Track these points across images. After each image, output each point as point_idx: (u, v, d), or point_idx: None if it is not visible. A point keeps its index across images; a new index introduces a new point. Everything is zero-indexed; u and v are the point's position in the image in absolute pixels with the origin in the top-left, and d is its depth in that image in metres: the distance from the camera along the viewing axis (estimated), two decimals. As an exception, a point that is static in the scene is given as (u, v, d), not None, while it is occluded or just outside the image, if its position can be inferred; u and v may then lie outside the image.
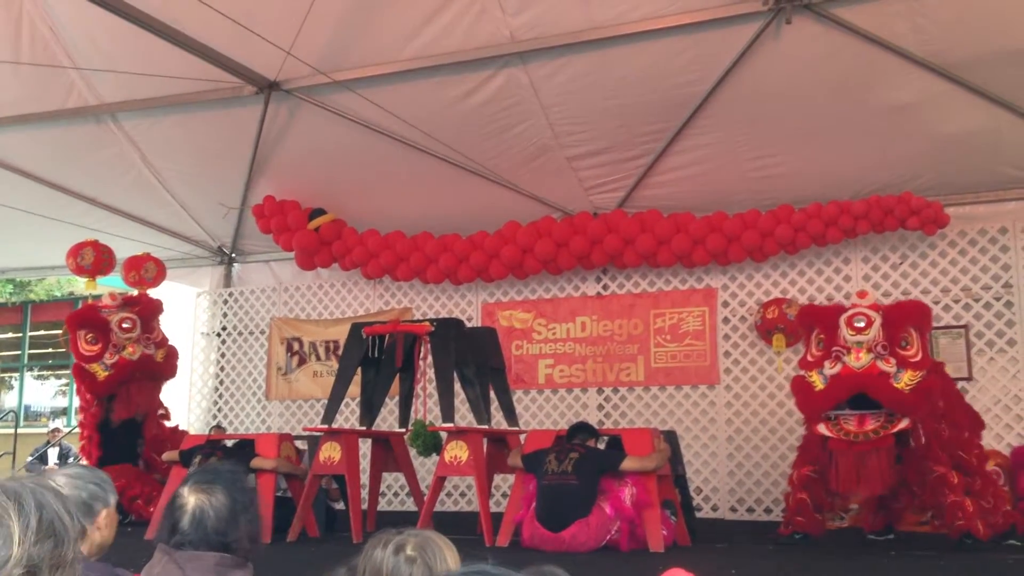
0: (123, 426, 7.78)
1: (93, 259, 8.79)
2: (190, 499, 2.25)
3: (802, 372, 5.78)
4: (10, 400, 17.08)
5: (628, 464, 5.64)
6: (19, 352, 17.68)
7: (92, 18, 6.89)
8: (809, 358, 5.74)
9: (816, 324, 5.80)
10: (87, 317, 7.85)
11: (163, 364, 8.02)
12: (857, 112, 7.17)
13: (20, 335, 17.68)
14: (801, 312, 6.56)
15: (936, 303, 7.91)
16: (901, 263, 8.11)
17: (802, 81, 6.96)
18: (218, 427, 9.76)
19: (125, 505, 7.19)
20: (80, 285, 8.98)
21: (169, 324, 8.55)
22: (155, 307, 8.18)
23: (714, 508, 8.28)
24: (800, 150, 7.66)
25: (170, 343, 8.22)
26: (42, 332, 17.68)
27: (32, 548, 1.19)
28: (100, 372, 7.64)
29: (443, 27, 6.85)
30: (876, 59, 6.65)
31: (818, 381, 5.62)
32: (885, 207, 7.72)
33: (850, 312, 5.65)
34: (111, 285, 9.45)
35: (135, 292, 8.59)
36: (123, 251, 9.23)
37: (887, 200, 7.72)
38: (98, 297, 8.67)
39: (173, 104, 8.00)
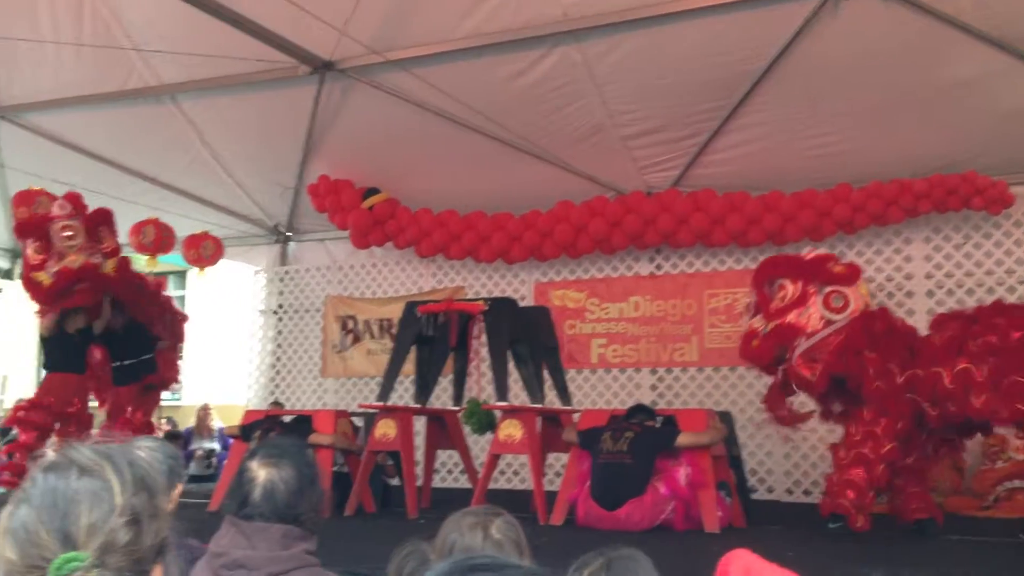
0: (80, 335, 7.29)
1: (154, 237, 8.96)
2: (260, 472, 2.29)
3: None
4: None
5: (683, 439, 5.63)
6: (82, 329, 18.08)
7: (152, 0, 7.00)
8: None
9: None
10: (32, 225, 7.31)
11: (113, 276, 7.35)
12: (918, 89, 7.02)
13: (83, 312, 18.08)
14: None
15: (1000, 284, 7.74)
16: (964, 243, 7.93)
17: (861, 57, 6.83)
18: (276, 403, 9.92)
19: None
20: (141, 262, 9.11)
21: (228, 301, 8.58)
22: (101, 216, 7.49)
23: (769, 490, 8.22)
24: (859, 128, 7.52)
25: (125, 256, 7.73)
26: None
27: (132, 498, 1.26)
28: (44, 280, 7.10)
29: (496, 6, 6.84)
30: (938, 34, 6.50)
31: None
32: (948, 186, 7.55)
33: None
34: (173, 263, 9.60)
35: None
36: (182, 229, 9.42)
37: (950, 179, 7.55)
38: (159, 274, 8.73)
39: (230, 85, 8.10)
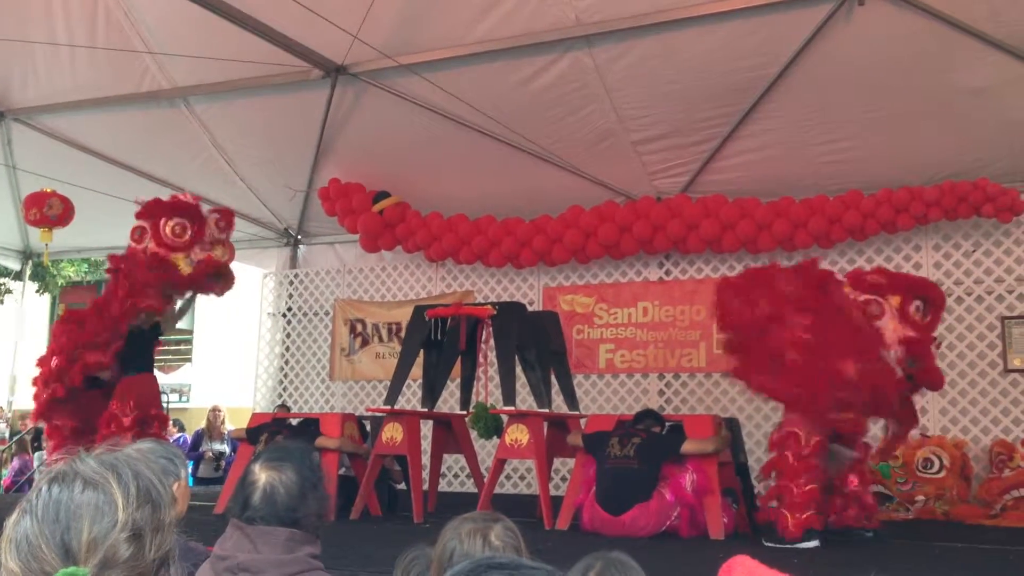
0: (152, 333, 7.12)
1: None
2: (261, 476, 2.30)
3: None
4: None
5: (688, 447, 5.63)
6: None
7: (165, 3, 7.05)
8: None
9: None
10: (178, 205, 7.00)
11: (223, 282, 7.28)
12: (931, 96, 7.01)
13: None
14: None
15: (1010, 292, 7.73)
16: (974, 251, 7.90)
17: (874, 64, 6.81)
18: (283, 406, 9.93)
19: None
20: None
21: (237, 304, 8.57)
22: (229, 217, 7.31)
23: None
24: (870, 135, 7.51)
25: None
26: (115, 310, 18.13)
27: (135, 513, 1.26)
28: (184, 266, 6.85)
29: (508, 11, 6.85)
30: (952, 42, 6.48)
31: None
32: (959, 194, 7.53)
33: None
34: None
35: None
36: (193, 232, 9.44)
37: (961, 186, 7.53)
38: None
39: (243, 88, 8.14)
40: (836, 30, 6.56)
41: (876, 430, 6.08)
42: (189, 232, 6.87)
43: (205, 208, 7.17)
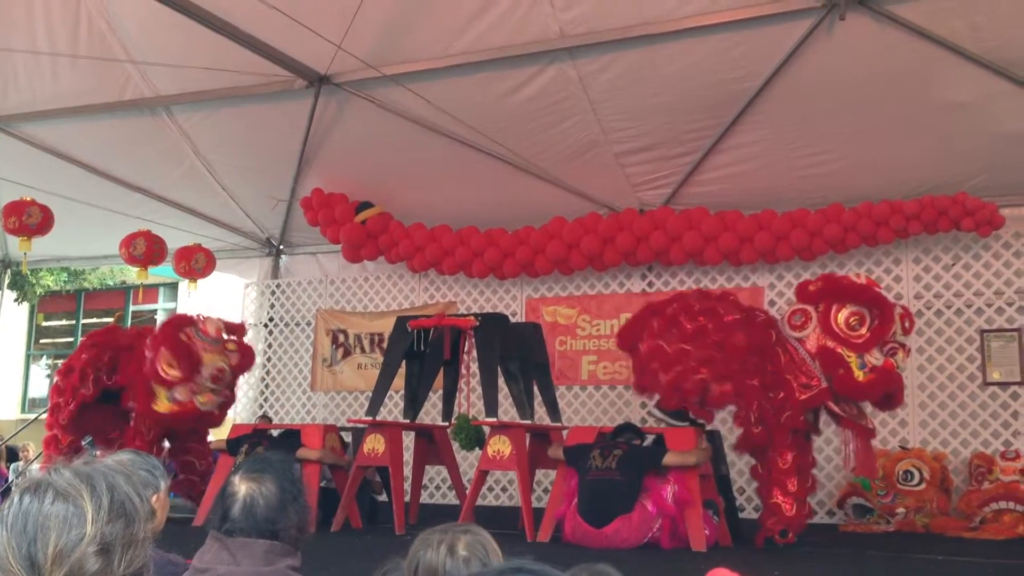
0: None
1: (145, 249, 8.93)
2: (241, 487, 2.29)
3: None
4: (63, 386, 17.39)
5: (670, 459, 5.63)
6: (72, 339, 18.05)
7: (147, 12, 7.00)
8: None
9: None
10: (180, 345, 6.83)
11: (215, 417, 7.27)
12: (911, 110, 7.06)
13: (73, 323, 18.06)
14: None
15: (989, 306, 7.79)
16: (954, 264, 7.97)
17: (855, 78, 6.87)
18: (264, 417, 9.88)
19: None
20: (132, 274, 9.05)
21: (217, 314, 8.54)
22: (249, 361, 7.40)
23: (757, 509, 8.18)
24: (851, 148, 7.56)
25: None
26: (94, 320, 18.03)
27: (105, 527, 1.24)
28: (164, 401, 6.81)
29: (492, 22, 6.86)
30: (932, 56, 6.54)
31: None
32: (939, 207, 7.59)
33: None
34: (163, 275, 9.59)
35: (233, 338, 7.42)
36: (174, 241, 9.40)
37: (941, 200, 7.60)
38: (150, 286, 8.68)
39: (225, 97, 8.11)
40: (818, 44, 6.60)
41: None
42: (180, 371, 6.81)
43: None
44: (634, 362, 6.29)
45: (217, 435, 7.59)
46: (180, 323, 7.05)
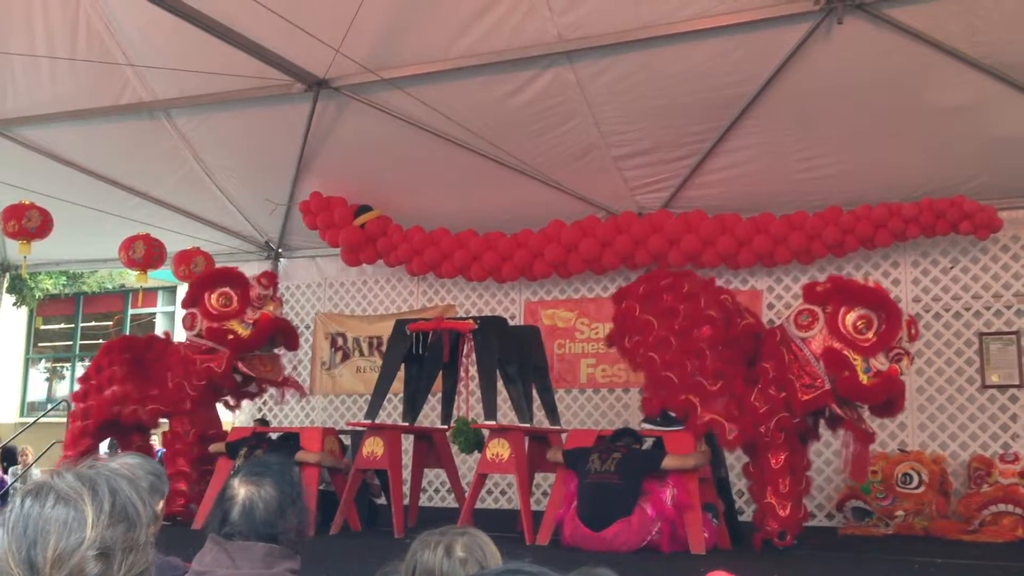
0: None
1: (144, 253, 8.94)
2: (240, 491, 2.29)
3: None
4: (62, 390, 17.43)
5: (669, 462, 5.63)
6: (71, 343, 18.05)
7: (146, 15, 7.00)
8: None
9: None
10: (218, 274, 7.58)
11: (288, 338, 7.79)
12: (909, 114, 7.07)
13: (72, 326, 18.06)
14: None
15: (987, 308, 7.80)
16: (952, 267, 7.97)
17: (853, 82, 6.88)
18: (263, 420, 9.86)
19: None
20: (131, 278, 9.06)
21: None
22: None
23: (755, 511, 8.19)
24: (850, 151, 7.57)
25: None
26: (93, 323, 18.04)
27: (105, 531, 1.24)
28: (240, 329, 7.26)
29: (490, 26, 6.86)
30: (929, 60, 6.55)
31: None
32: (937, 210, 7.60)
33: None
34: (162, 278, 9.59)
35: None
36: (173, 245, 9.40)
37: (939, 203, 7.60)
38: (149, 290, 8.77)
39: (224, 101, 8.11)
40: (816, 48, 6.61)
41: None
42: (233, 302, 7.34)
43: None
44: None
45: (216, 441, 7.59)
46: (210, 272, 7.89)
